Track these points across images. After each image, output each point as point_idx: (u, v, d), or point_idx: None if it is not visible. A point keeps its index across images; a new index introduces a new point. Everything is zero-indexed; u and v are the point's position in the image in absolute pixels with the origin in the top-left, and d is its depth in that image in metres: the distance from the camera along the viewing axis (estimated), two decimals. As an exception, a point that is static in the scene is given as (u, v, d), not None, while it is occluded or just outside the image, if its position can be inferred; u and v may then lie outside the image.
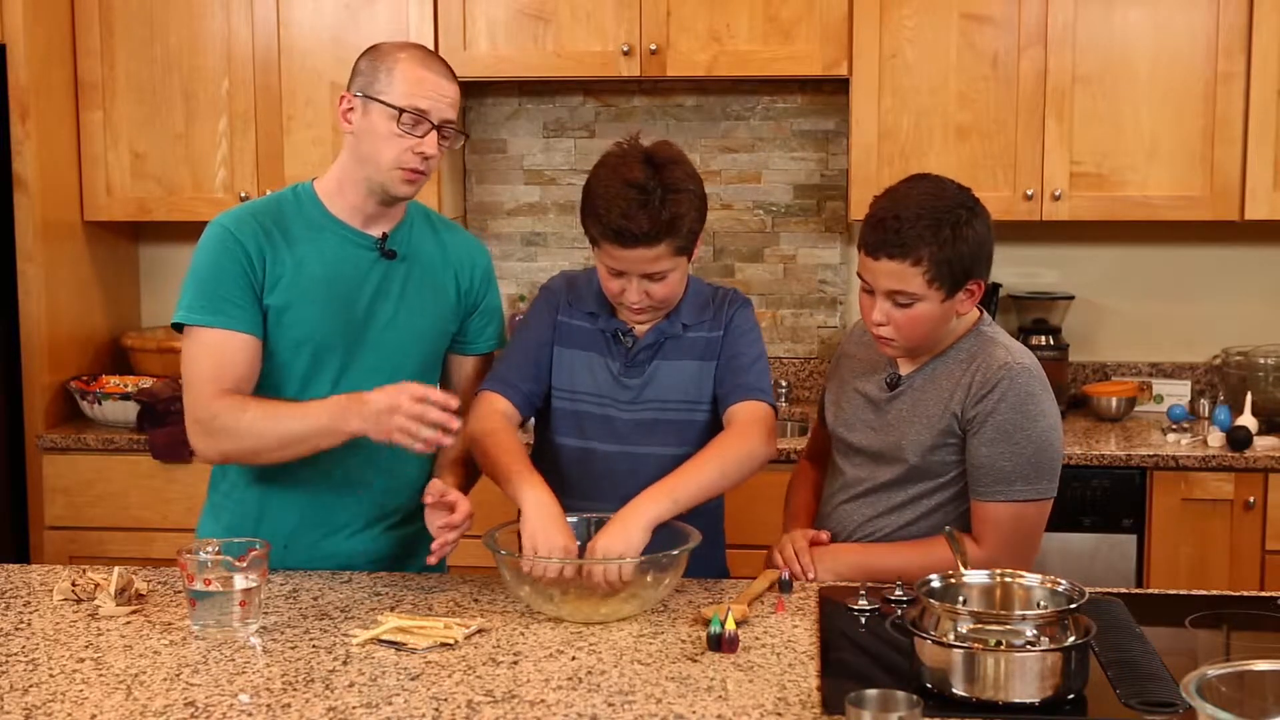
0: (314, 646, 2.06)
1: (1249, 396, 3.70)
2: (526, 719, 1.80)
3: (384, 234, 2.43)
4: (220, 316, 2.32)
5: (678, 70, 3.83)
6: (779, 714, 1.81)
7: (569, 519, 2.25)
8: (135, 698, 1.86)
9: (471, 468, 2.47)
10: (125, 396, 3.80)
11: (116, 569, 2.26)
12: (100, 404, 3.80)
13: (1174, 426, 3.74)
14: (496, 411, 2.43)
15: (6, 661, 2.00)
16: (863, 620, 2.17)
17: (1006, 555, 2.28)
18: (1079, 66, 3.74)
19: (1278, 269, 4.09)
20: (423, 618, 2.14)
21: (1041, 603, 1.97)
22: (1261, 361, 3.90)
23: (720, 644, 2.03)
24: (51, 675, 1.94)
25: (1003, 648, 1.82)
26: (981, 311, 2.45)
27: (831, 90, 4.12)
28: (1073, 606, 1.89)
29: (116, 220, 4.07)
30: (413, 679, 1.93)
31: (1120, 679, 1.90)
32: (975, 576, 2.02)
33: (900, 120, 3.80)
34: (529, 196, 4.28)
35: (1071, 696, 1.83)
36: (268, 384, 2.38)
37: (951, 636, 1.85)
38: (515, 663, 1.99)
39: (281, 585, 2.35)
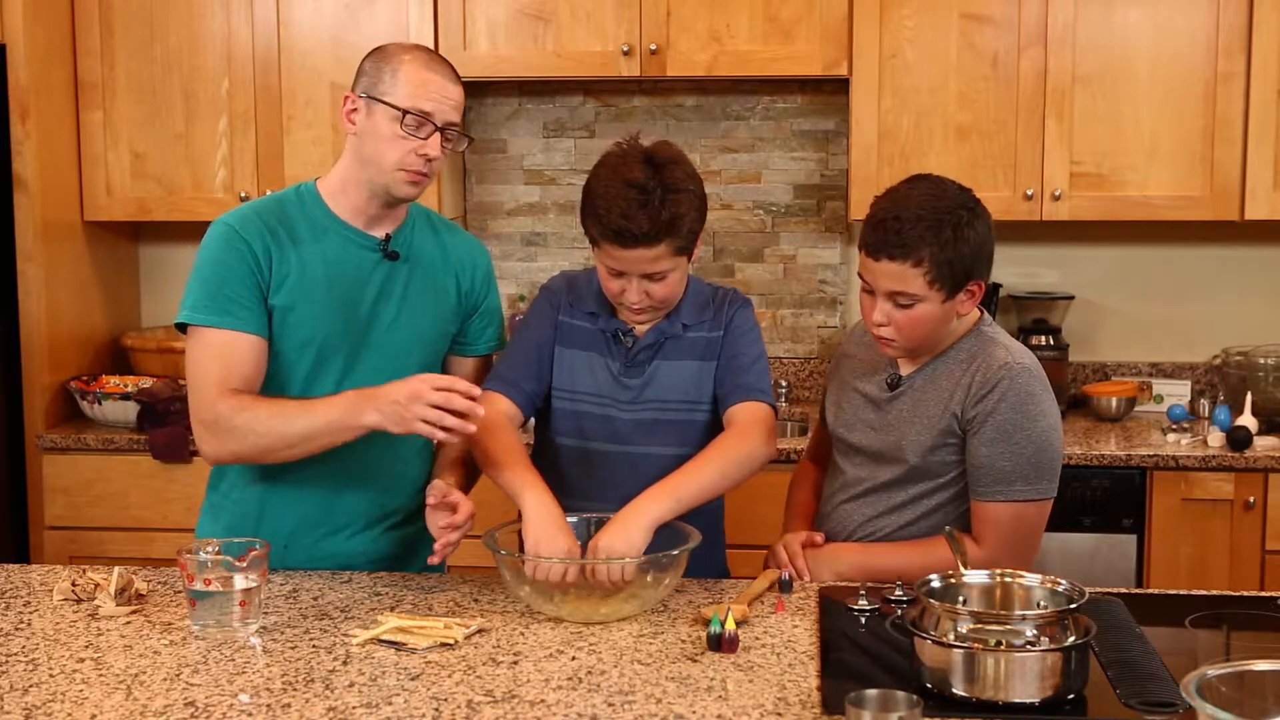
0: (314, 646, 2.06)
1: (1249, 396, 3.70)
2: (526, 719, 1.80)
3: (387, 235, 2.43)
4: (227, 317, 2.31)
5: (678, 70, 3.83)
6: (779, 714, 1.81)
7: (569, 519, 2.25)
8: (135, 698, 1.86)
9: (472, 467, 2.47)
10: (125, 396, 3.80)
11: (116, 569, 2.26)
12: (100, 404, 3.80)
13: (1174, 426, 3.74)
14: (498, 411, 2.43)
15: (6, 661, 2.00)
16: (863, 620, 2.17)
17: (1006, 555, 2.28)
18: (1079, 66, 3.74)
19: (1278, 269, 4.10)
20: (423, 618, 2.14)
21: (1041, 603, 1.97)
22: (1261, 361, 3.90)
23: (720, 644, 2.03)
24: (51, 675, 1.94)
25: (1003, 648, 1.82)
26: (982, 312, 2.45)
27: (831, 90, 4.12)
28: (1073, 606, 1.89)
29: (116, 220, 4.07)
30: (413, 679, 1.93)
31: (1120, 679, 1.90)
32: (975, 576, 2.02)
33: (900, 120, 3.80)
34: (529, 196, 4.28)
35: (1071, 696, 1.83)
36: (271, 385, 2.38)
37: (951, 636, 1.85)
38: (515, 663, 1.99)
39: (281, 585, 2.35)
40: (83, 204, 3.98)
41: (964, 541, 2.22)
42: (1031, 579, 2.00)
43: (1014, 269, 4.11)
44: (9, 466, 3.80)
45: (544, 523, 2.20)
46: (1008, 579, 2.02)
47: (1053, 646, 1.82)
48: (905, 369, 2.44)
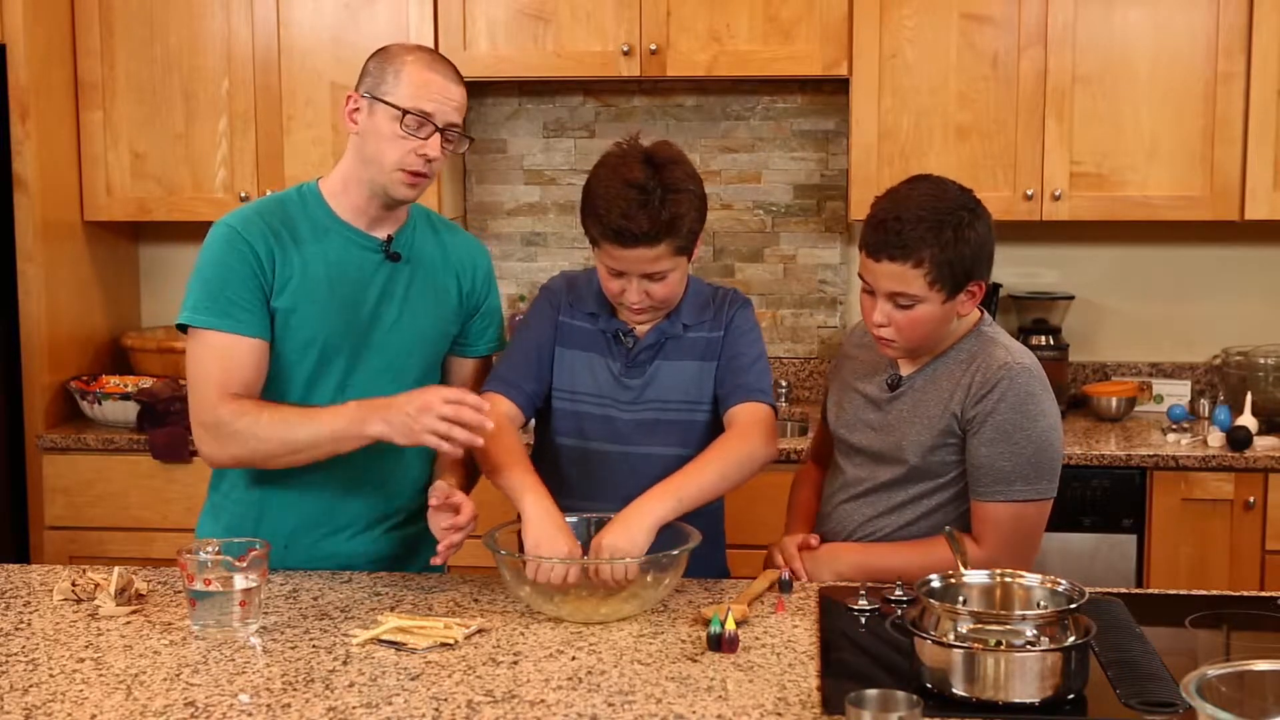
0: (314, 646, 2.06)
1: (1249, 396, 3.70)
2: (526, 719, 1.80)
3: (389, 236, 2.43)
4: (228, 320, 2.31)
5: (678, 70, 3.83)
6: (779, 714, 1.81)
7: (569, 519, 2.25)
8: (135, 698, 1.86)
9: (473, 468, 2.47)
10: (125, 396, 3.80)
11: (116, 569, 2.26)
12: (100, 404, 3.80)
13: (1174, 426, 3.74)
14: (499, 413, 2.42)
15: (6, 661, 2.00)
16: (863, 620, 2.17)
17: (1006, 555, 2.28)
18: (1079, 66, 3.74)
19: (1278, 269, 4.10)
20: (423, 618, 2.14)
21: (1041, 603, 1.97)
22: (1261, 361, 3.90)
23: (720, 644, 2.03)
24: (51, 675, 1.94)
25: (1003, 648, 1.82)
26: (982, 312, 2.45)
27: (831, 90, 4.12)
28: (1073, 606, 1.89)
29: (116, 220, 4.07)
30: (413, 679, 1.93)
31: (1120, 679, 1.90)
32: (975, 576, 2.02)
33: (900, 120, 3.80)
34: (529, 196, 4.28)
35: (1071, 696, 1.83)
36: (272, 386, 2.38)
37: (951, 636, 1.85)
38: (515, 663, 1.99)
39: (281, 585, 2.35)
40: (83, 204, 3.98)
41: (964, 541, 2.22)
42: (1031, 579, 2.00)
43: (1014, 269, 4.11)
44: (9, 466, 3.80)
45: (543, 524, 2.20)
46: (1008, 579, 2.02)
47: (1053, 646, 1.82)
48: (906, 369, 2.44)
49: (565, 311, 2.52)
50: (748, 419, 2.41)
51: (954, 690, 1.82)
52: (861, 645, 2.08)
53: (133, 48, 3.93)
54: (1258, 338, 4.04)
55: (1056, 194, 3.76)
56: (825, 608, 2.22)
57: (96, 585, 2.27)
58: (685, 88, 4.17)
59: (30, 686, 1.90)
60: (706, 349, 2.48)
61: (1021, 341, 2.72)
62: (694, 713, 1.81)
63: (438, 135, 2.31)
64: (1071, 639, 1.84)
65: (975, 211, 2.32)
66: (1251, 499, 3.53)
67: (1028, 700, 1.80)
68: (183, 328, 2.36)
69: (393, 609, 2.23)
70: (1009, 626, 1.85)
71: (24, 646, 2.06)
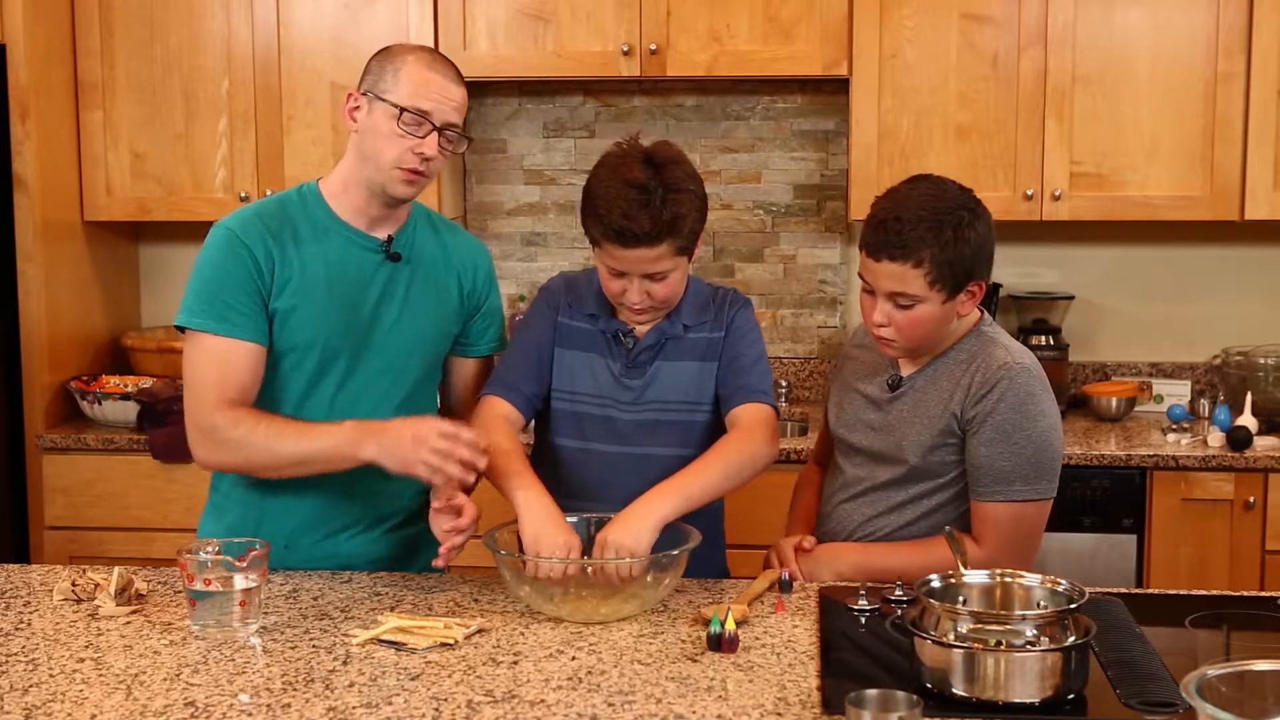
0: (314, 646, 2.06)
1: (1249, 396, 3.70)
2: (526, 719, 1.80)
3: (389, 236, 2.43)
4: (224, 324, 2.31)
5: (678, 70, 3.83)
6: (779, 714, 1.81)
7: (568, 519, 2.25)
8: (135, 698, 1.86)
9: (474, 470, 2.47)
10: (125, 396, 3.80)
11: (116, 569, 2.26)
12: (100, 404, 3.80)
13: (1174, 426, 3.74)
14: (499, 416, 2.43)
15: (6, 661, 2.00)
16: (863, 620, 2.17)
17: (1006, 555, 2.28)
18: (1079, 66, 3.74)
19: (1278, 269, 4.10)
20: (423, 618, 2.14)
21: (1041, 603, 1.97)
22: (1261, 361, 3.90)
23: (720, 644, 2.03)
24: (51, 675, 1.94)
25: (1003, 648, 1.82)
26: (982, 312, 2.45)
27: (831, 90, 4.12)
28: (1073, 606, 1.89)
29: (116, 220, 4.07)
30: (413, 679, 1.93)
31: (1120, 679, 1.90)
32: (975, 576, 2.02)
33: (900, 120, 3.80)
34: (529, 196, 4.28)
35: (1071, 696, 1.83)
36: (273, 387, 2.38)
37: (951, 636, 1.85)
38: (515, 663, 1.99)
39: (281, 585, 2.35)
40: (83, 204, 3.98)
41: (964, 541, 2.22)
42: (1031, 579, 2.00)
43: (1014, 269, 4.11)
44: (9, 466, 3.80)
45: (539, 519, 2.20)
46: (1008, 579, 2.02)
47: (1053, 646, 1.82)
48: (906, 370, 2.44)
49: (564, 312, 2.52)
50: (751, 420, 2.41)
51: (954, 690, 1.82)
52: (861, 645, 2.08)
53: (133, 48, 3.93)
54: (1258, 338, 4.04)
55: (1056, 194, 3.76)
56: (825, 608, 2.22)
57: (96, 585, 2.27)
58: (685, 88, 4.17)
59: (30, 686, 1.90)
60: (707, 349, 2.48)
61: (1021, 341, 2.72)
62: (694, 713, 1.81)
63: (435, 134, 2.31)
64: (1071, 639, 1.84)
65: (975, 211, 2.32)
66: (1251, 499, 3.53)
67: (1028, 700, 1.80)
68: (181, 328, 2.36)
69: (393, 609, 2.23)
70: (1009, 626, 1.85)
71: (24, 646, 2.06)
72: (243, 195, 3.89)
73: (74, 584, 2.27)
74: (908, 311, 2.31)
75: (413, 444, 2.18)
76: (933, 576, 2.00)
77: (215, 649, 2.04)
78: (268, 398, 2.37)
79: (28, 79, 3.72)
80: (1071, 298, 4.06)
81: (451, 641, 2.06)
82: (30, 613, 2.22)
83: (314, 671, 1.95)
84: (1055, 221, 3.82)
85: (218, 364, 2.31)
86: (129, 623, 2.17)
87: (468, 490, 2.40)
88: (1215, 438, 3.62)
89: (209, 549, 2.16)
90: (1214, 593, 2.42)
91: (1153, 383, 4.07)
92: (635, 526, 2.19)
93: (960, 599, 1.98)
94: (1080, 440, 3.68)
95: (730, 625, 2.04)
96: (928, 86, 3.78)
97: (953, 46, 3.76)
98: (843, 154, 4.11)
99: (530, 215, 4.28)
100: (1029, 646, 1.82)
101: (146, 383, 3.88)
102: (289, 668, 1.97)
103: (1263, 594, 2.39)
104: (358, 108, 2.35)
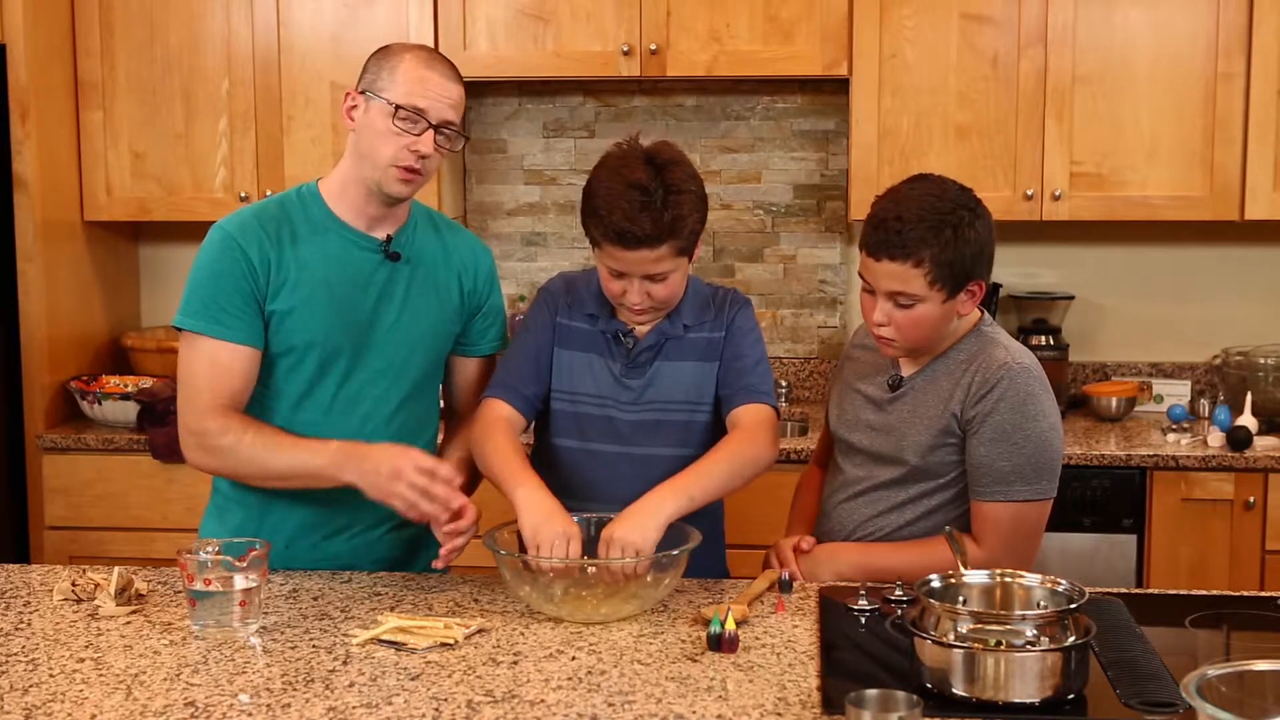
0: (314, 646, 2.06)
1: (1249, 396, 3.70)
2: (526, 719, 1.80)
3: (388, 236, 2.43)
4: (219, 326, 2.31)
5: (678, 70, 3.83)
6: (779, 714, 1.81)
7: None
8: (135, 698, 1.86)
9: (474, 470, 2.47)
10: (125, 396, 3.80)
11: (116, 569, 2.26)
12: (100, 404, 3.80)
13: (1174, 426, 3.74)
14: (500, 418, 2.43)
15: (6, 661, 2.00)
16: (863, 620, 2.17)
17: (1006, 555, 2.28)
18: (1079, 66, 3.74)
19: (1278, 269, 4.10)
20: (423, 618, 2.14)
21: (1041, 603, 1.97)
22: (1261, 361, 3.90)
23: (720, 644, 2.03)
24: (51, 675, 1.94)
25: (1003, 648, 1.82)
26: (982, 312, 2.45)
27: (831, 90, 4.12)
28: (1073, 606, 1.89)
29: (116, 220, 4.07)
30: (413, 679, 1.93)
31: (1120, 679, 1.90)
32: (975, 576, 2.02)
33: (900, 120, 3.80)
34: (529, 196, 4.28)
35: (1071, 696, 1.83)
36: (273, 387, 2.38)
37: (951, 636, 1.85)
38: (515, 663, 1.99)
39: (281, 585, 2.35)
40: (83, 204, 3.98)
41: (964, 541, 2.22)
42: (1031, 579, 2.00)
43: (1014, 269, 4.11)
44: (9, 466, 3.81)
45: (538, 512, 2.20)
46: (1008, 579, 2.02)
47: (1053, 646, 1.82)
48: (906, 370, 2.44)
49: (564, 313, 2.52)
50: (752, 421, 2.41)
51: (954, 690, 1.82)
52: (861, 645, 2.08)
53: (133, 48, 3.93)
54: (1258, 338, 4.04)
55: (1056, 194, 3.76)
56: (825, 608, 2.22)
57: (96, 585, 2.27)
58: (685, 88, 4.17)
59: (30, 686, 1.90)
60: (707, 349, 2.48)
61: (1021, 341, 2.72)
62: (694, 713, 1.81)
63: (431, 132, 2.31)
64: (1071, 639, 1.84)
65: (975, 211, 2.32)
66: (1251, 499, 3.53)
67: (1028, 700, 1.80)
68: (178, 328, 2.37)
69: (393, 609, 2.23)
70: (1009, 626, 1.85)
71: (24, 646, 2.06)
72: (243, 195, 3.89)
73: (74, 584, 2.27)
74: (908, 311, 2.31)
75: (389, 477, 2.21)
76: (933, 576, 1.99)
77: (215, 649, 2.04)
78: (268, 397, 2.38)
79: (28, 79, 3.72)
80: (1071, 298, 4.06)
81: (451, 641, 2.06)
82: (30, 613, 2.22)
83: (314, 671, 1.95)
84: (1055, 221, 3.82)
85: (211, 366, 2.32)
86: (129, 623, 2.17)
87: (468, 491, 2.40)
88: (1215, 438, 3.62)
89: (209, 549, 2.16)
90: (1214, 593, 2.42)
91: (1153, 383, 4.07)
92: (642, 524, 2.18)
93: (960, 599, 1.98)
94: (1080, 440, 3.68)
95: (730, 625, 2.04)
96: (928, 86, 3.78)
97: (953, 46, 3.77)
98: (843, 154, 4.11)
99: (530, 215, 4.28)
100: (1029, 646, 1.82)
101: (146, 383, 3.88)
102: (289, 668, 1.97)
103: (1263, 594, 2.38)
104: (355, 106, 2.36)
